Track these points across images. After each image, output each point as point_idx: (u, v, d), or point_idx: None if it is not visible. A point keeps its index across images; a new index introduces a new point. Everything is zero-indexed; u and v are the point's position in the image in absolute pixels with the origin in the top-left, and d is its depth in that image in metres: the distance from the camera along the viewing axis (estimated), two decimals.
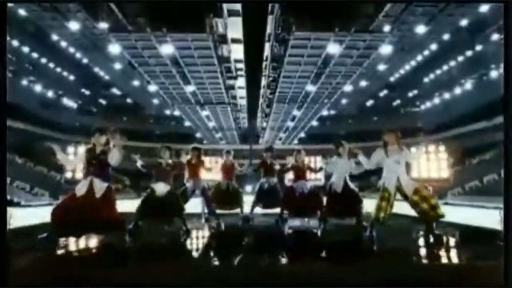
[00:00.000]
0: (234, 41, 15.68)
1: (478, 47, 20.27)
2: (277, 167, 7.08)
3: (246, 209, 7.15)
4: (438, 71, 25.01)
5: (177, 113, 27.76)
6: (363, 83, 24.41)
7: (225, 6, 13.28)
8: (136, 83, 25.17)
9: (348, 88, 20.79)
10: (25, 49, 21.41)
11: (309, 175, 6.87)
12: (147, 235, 5.45)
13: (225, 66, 17.57)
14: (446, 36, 18.21)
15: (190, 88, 19.72)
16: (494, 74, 21.15)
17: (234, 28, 14.58)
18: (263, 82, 20.74)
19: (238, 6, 13.40)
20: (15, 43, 20.03)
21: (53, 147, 4.49)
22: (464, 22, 16.34)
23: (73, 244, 4.54)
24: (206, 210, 6.94)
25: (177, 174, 5.97)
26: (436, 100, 27.77)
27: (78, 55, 21.65)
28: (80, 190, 4.37)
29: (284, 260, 4.26)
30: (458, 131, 24.95)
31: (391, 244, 4.92)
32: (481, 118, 21.96)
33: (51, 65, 24.15)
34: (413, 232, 5.62)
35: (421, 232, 5.20)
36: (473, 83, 23.69)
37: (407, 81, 25.89)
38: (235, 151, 7.99)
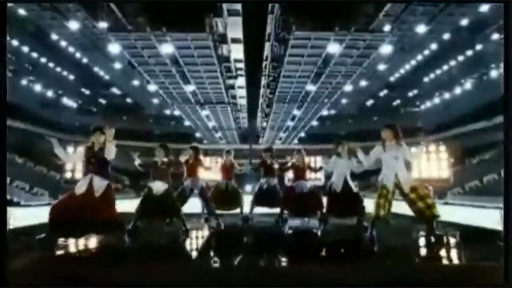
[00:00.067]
0: (234, 40, 15.69)
1: (478, 47, 20.30)
2: (276, 166, 7.07)
3: (246, 209, 7.13)
4: (438, 71, 25.03)
5: (177, 112, 27.78)
6: (363, 83, 24.41)
7: (225, 6, 13.29)
8: (135, 82, 25.16)
9: (348, 88, 20.80)
10: (25, 49, 21.44)
11: (309, 174, 6.85)
12: (146, 235, 5.44)
13: (225, 66, 17.58)
14: (446, 36, 18.21)
15: (190, 88, 19.72)
16: (494, 74, 21.17)
17: (234, 27, 14.59)
18: (263, 81, 20.74)
19: (238, 6, 13.40)
20: (15, 43, 20.04)
21: (51, 140, 4.49)
22: (464, 22, 16.37)
23: (73, 244, 4.53)
24: (205, 210, 6.94)
25: (176, 173, 5.97)
26: (436, 100, 27.79)
27: (77, 54, 21.66)
28: (80, 188, 4.36)
29: (284, 260, 4.25)
30: (458, 131, 24.97)
31: (391, 244, 4.91)
32: (481, 118, 21.98)
33: (51, 64, 24.17)
34: (413, 232, 5.61)
35: (421, 232, 5.18)
36: (473, 83, 23.72)
37: (407, 80, 25.90)
38: (235, 151, 7.96)
